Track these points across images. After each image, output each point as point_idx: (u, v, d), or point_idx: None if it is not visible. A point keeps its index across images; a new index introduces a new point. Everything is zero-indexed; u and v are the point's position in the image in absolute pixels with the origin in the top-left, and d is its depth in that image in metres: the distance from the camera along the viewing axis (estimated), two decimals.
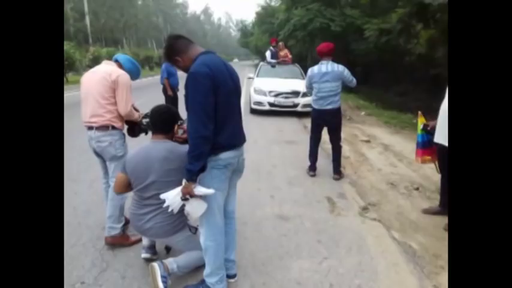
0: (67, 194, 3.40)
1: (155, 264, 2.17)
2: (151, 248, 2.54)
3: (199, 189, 1.87)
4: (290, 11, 18.87)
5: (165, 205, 1.99)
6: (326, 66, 4.27)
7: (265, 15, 30.07)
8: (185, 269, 2.29)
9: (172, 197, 1.95)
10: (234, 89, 2.01)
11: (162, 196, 2.00)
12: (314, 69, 4.35)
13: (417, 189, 4.21)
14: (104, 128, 2.68)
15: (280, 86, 8.90)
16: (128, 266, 2.52)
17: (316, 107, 4.44)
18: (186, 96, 1.84)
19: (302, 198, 3.79)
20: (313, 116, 4.59)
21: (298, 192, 3.91)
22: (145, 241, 2.53)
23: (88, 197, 3.60)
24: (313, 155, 4.66)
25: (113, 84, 2.61)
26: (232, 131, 2.00)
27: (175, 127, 2.38)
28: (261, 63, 11.15)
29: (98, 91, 2.63)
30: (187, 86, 1.83)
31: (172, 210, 2.02)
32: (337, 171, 4.51)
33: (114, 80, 2.60)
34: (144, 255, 2.50)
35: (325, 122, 4.46)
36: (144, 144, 2.37)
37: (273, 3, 30.78)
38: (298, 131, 7.48)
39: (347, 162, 5.22)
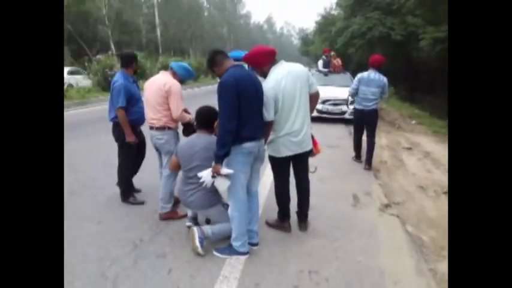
0: (135, 180, 4.18)
1: (194, 228, 2.80)
2: (194, 219, 3.19)
3: (224, 170, 2.51)
4: (349, 19, 19.00)
5: (200, 180, 2.63)
6: (374, 75, 5.21)
7: (324, 24, 30.28)
8: (218, 235, 2.89)
9: (206, 175, 2.59)
10: (255, 94, 2.60)
11: (199, 174, 2.64)
12: (364, 75, 5.28)
13: (446, 193, 4.39)
14: (161, 128, 3.39)
15: (330, 94, 9.27)
16: (175, 232, 3.19)
17: (359, 107, 5.36)
18: (218, 99, 2.47)
19: (329, 193, 4.22)
20: (356, 116, 5.56)
21: (326, 188, 4.34)
22: (189, 213, 3.19)
23: (150, 182, 4.34)
24: (358, 147, 5.70)
25: (166, 93, 3.25)
26: (252, 126, 2.58)
27: (215, 123, 3.00)
28: (313, 71, 11.57)
29: (155, 99, 3.32)
30: (218, 92, 2.47)
31: (206, 185, 2.64)
32: (369, 163, 5.32)
33: (167, 90, 3.24)
34: (188, 223, 3.16)
35: (366, 119, 5.34)
36: (191, 136, 3.05)
37: (333, 12, 30.92)
38: (343, 137, 7.80)
39: (383, 167, 5.49)
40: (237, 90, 2.44)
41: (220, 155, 2.47)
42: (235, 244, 2.74)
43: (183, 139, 3.24)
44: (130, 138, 3.59)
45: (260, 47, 2.98)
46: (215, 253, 2.81)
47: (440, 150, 6.51)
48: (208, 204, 2.89)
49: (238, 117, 2.47)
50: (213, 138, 2.88)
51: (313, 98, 3.11)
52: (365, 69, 5.41)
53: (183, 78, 3.44)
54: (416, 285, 2.53)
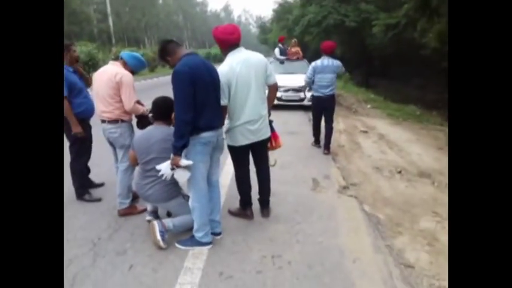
0: (92, 175, 4.03)
1: (155, 222, 2.74)
2: (154, 213, 3.12)
3: (183, 161, 2.45)
4: (305, 7, 19.18)
5: (160, 174, 2.56)
6: (328, 61, 5.38)
7: (282, 12, 30.38)
8: (179, 228, 2.85)
9: (165, 167, 2.53)
10: (210, 82, 2.55)
11: (158, 167, 2.57)
12: (318, 63, 5.42)
13: (400, 172, 4.61)
14: (114, 121, 3.23)
15: (289, 82, 9.34)
16: (135, 227, 3.12)
17: (316, 94, 5.54)
18: (173, 90, 2.41)
19: (291, 178, 4.29)
20: (315, 103, 5.72)
21: (288, 174, 4.41)
22: (149, 207, 3.12)
23: (106, 178, 4.19)
24: (317, 132, 5.88)
25: (117, 85, 3.10)
26: (210, 116, 2.54)
27: (173, 114, 2.93)
28: (270, 59, 11.60)
29: (105, 92, 3.15)
30: (173, 82, 2.40)
31: (166, 178, 2.58)
32: (327, 147, 5.49)
33: (118, 81, 3.09)
34: (148, 217, 3.09)
35: (324, 105, 5.51)
36: (148, 128, 2.96)
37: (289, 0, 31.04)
38: (302, 123, 7.92)
39: (341, 151, 5.65)
40: (191, 79, 2.37)
41: (179, 147, 2.41)
42: (198, 235, 2.72)
43: (138, 132, 3.15)
44: (76, 129, 3.41)
45: (224, 28, 2.88)
46: (177, 245, 2.78)
47: (395, 132, 6.82)
48: (168, 196, 2.84)
49: (195, 107, 2.41)
50: (170, 130, 2.81)
51: (271, 89, 3.12)
52: (322, 55, 5.48)
53: (134, 68, 3.29)
54: (374, 262, 2.65)
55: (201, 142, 2.54)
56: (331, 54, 5.43)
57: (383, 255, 2.73)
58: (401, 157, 5.25)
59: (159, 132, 2.82)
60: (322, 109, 5.56)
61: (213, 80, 2.59)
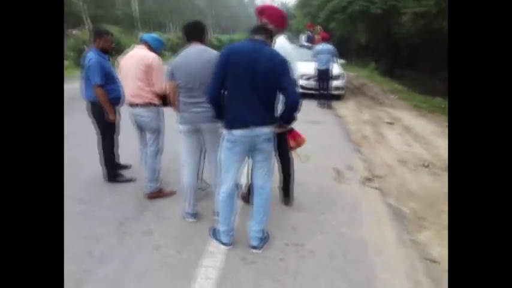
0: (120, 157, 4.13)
1: None
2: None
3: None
4: None
5: None
6: (325, 46, 8.25)
7: None
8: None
9: None
10: (245, 72, 2.27)
11: None
12: (319, 47, 8.32)
13: (427, 166, 4.51)
14: (146, 105, 3.21)
15: (312, 69, 9.17)
16: (160, 209, 3.19)
17: (319, 68, 8.30)
18: None
19: (313, 168, 4.26)
20: (317, 73, 8.43)
21: (311, 164, 4.35)
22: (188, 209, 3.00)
23: (132, 160, 4.26)
24: (320, 94, 8.56)
25: (148, 68, 3.09)
26: (241, 109, 2.33)
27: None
28: (295, 46, 11.39)
29: (136, 76, 3.13)
30: None
31: None
32: (330, 105, 8.32)
33: (149, 64, 3.08)
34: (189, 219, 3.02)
35: (322, 75, 8.34)
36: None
37: None
38: (325, 112, 7.84)
39: (365, 142, 5.57)
40: (226, 62, 2.33)
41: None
42: (219, 228, 2.66)
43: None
44: (112, 116, 3.51)
45: (281, 10, 2.97)
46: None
47: (421, 125, 6.66)
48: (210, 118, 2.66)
49: (225, 93, 2.39)
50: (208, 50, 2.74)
51: None
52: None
53: (157, 49, 3.31)
54: (398, 256, 2.62)
55: (229, 139, 2.40)
56: (327, 41, 8.34)
57: (407, 249, 2.70)
58: (427, 150, 5.13)
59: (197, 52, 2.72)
60: (321, 77, 8.35)
61: (253, 71, 2.26)
